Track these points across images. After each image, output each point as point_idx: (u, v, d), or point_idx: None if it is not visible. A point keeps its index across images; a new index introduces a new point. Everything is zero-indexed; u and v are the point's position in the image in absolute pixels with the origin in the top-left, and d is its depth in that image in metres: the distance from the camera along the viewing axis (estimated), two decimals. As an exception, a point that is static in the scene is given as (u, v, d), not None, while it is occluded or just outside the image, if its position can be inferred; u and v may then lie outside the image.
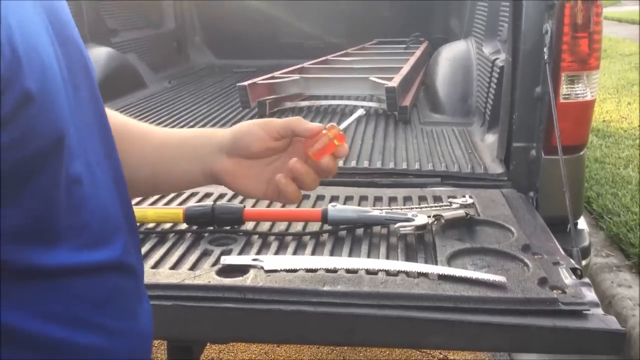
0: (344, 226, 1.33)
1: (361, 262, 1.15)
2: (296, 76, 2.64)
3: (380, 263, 1.15)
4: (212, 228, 1.34)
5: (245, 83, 2.40)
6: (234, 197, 1.52)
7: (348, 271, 1.11)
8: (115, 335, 0.54)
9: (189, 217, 1.34)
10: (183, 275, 1.10)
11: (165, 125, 2.20)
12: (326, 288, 1.05)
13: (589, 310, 1.01)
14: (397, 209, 1.41)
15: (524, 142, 1.62)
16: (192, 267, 1.15)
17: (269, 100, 2.45)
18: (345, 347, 2.17)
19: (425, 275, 1.09)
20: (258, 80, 2.53)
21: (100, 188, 0.53)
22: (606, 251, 2.65)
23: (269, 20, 3.76)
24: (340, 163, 1.76)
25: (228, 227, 1.34)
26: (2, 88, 0.39)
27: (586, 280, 1.11)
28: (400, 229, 1.28)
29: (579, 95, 1.56)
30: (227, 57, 3.85)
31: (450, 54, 2.55)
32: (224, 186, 0.79)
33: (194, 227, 1.34)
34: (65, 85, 0.48)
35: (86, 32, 2.65)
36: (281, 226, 1.36)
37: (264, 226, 1.36)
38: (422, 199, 1.51)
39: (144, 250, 1.21)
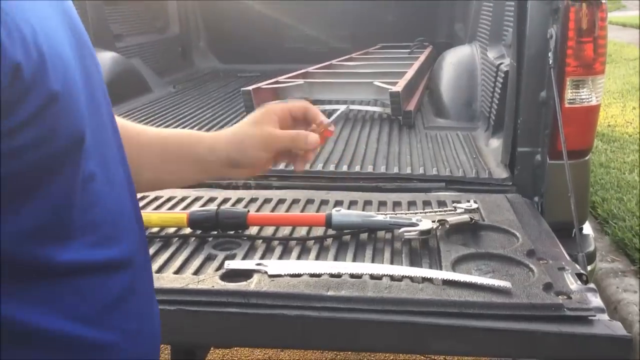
0: (348, 231, 1.33)
1: (365, 267, 1.15)
2: (300, 81, 2.64)
3: (384, 268, 1.14)
4: (216, 232, 1.34)
5: (250, 88, 2.41)
6: (237, 201, 1.52)
7: (352, 276, 1.11)
8: (127, 334, 0.54)
9: (193, 222, 1.34)
10: (187, 280, 1.10)
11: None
12: (330, 293, 1.04)
13: (594, 316, 1.00)
14: (401, 213, 1.40)
15: (529, 147, 1.62)
16: (196, 272, 1.15)
17: (273, 104, 2.45)
18: (349, 352, 2.16)
19: (429, 280, 1.09)
20: (262, 84, 2.54)
21: (114, 187, 0.54)
22: (611, 256, 2.64)
23: (273, 25, 3.76)
24: (345, 168, 1.76)
25: (232, 232, 1.34)
26: (28, 89, 0.40)
27: (592, 285, 1.10)
28: (405, 233, 1.27)
29: (584, 100, 1.55)
30: (231, 61, 3.85)
31: (454, 59, 2.54)
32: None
33: (198, 232, 1.34)
34: (82, 84, 0.49)
35: (91, 37, 2.65)
36: (285, 231, 1.35)
37: (268, 231, 1.35)
38: (426, 203, 1.50)
39: (148, 254, 1.21)
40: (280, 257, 1.23)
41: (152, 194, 1.55)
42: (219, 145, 0.85)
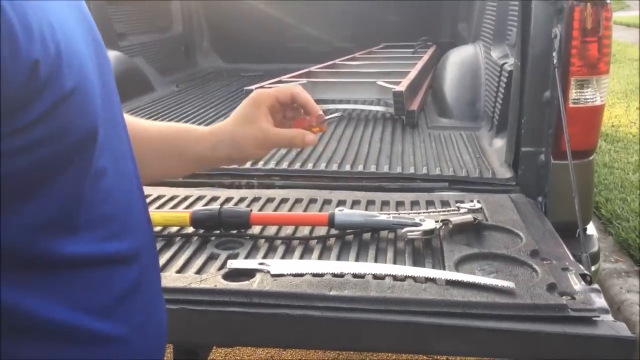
0: (351, 230, 1.32)
1: (368, 267, 1.14)
2: (303, 80, 2.64)
3: (387, 268, 1.14)
4: (218, 232, 1.34)
5: (253, 87, 2.41)
6: (240, 201, 1.52)
7: (355, 276, 1.10)
8: (134, 328, 0.55)
9: (196, 221, 1.34)
10: (189, 279, 1.09)
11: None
12: (333, 293, 1.04)
13: (598, 316, 1.00)
14: (404, 213, 1.40)
15: (533, 147, 1.61)
16: (199, 271, 1.15)
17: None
18: (352, 352, 2.16)
19: (432, 280, 1.08)
20: (265, 84, 2.53)
21: (124, 182, 0.55)
22: (615, 257, 2.63)
23: (276, 24, 3.76)
24: (348, 167, 1.76)
25: (234, 231, 1.34)
26: (43, 87, 0.41)
27: (595, 286, 1.10)
28: (408, 233, 1.27)
29: (588, 100, 1.55)
30: (234, 61, 3.85)
31: (458, 58, 2.54)
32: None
33: (201, 231, 1.34)
34: (97, 81, 0.49)
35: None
36: (288, 230, 1.35)
37: (271, 230, 1.35)
38: (429, 203, 1.50)
39: (150, 253, 1.21)
40: (282, 257, 1.23)
41: (154, 193, 1.55)
42: (219, 144, 0.87)
